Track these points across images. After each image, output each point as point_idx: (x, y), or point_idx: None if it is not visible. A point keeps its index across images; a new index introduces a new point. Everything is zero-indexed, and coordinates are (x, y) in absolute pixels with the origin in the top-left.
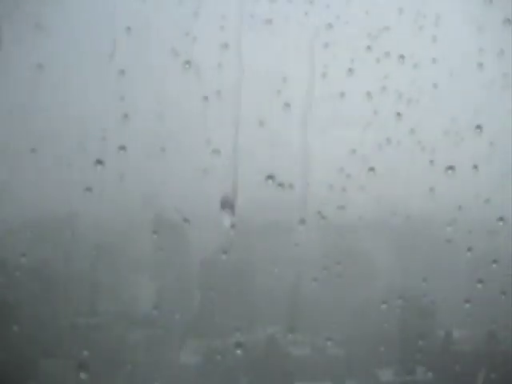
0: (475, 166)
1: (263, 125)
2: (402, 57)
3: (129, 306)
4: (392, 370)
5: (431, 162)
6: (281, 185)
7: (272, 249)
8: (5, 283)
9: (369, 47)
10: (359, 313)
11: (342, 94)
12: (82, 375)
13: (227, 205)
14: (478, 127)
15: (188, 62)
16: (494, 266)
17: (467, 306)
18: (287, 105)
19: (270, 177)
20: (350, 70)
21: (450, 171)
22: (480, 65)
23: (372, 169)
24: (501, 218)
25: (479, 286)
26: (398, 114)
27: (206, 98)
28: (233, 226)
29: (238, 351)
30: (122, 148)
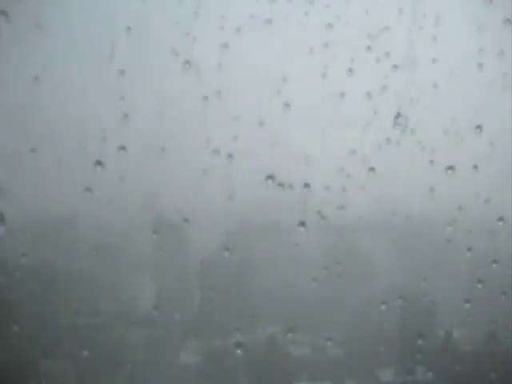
0: (475, 166)
1: (263, 125)
2: (402, 57)
3: (129, 306)
4: (392, 370)
5: (431, 161)
6: (281, 185)
7: (272, 249)
8: (5, 283)
9: (369, 47)
10: (359, 313)
11: (342, 94)
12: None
13: None
14: (478, 127)
15: (188, 62)
16: (494, 265)
17: (467, 305)
18: (287, 105)
19: (270, 177)
20: (350, 70)
21: (449, 171)
22: (480, 65)
23: (372, 169)
24: (501, 218)
25: (479, 285)
26: (398, 114)
27: (205, 98)
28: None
29: (238, 351)
30: (122, 148)
